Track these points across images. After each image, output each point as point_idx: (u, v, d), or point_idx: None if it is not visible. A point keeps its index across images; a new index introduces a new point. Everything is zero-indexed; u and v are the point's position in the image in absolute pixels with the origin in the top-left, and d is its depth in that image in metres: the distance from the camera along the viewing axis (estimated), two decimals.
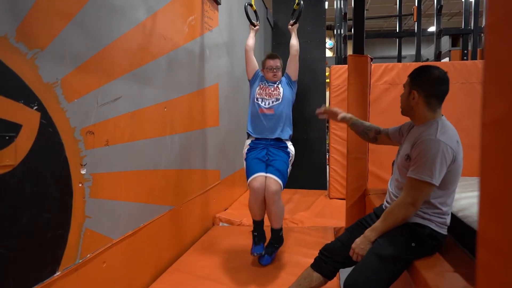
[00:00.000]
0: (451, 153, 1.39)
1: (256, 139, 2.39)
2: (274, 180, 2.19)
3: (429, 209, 1.47)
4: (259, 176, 2.22)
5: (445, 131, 1.43)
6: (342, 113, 1.97)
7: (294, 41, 2.50)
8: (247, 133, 2.43)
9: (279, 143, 2.36)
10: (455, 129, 1.49)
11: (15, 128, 1.15)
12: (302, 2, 2.62)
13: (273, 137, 2.34)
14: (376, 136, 1.88)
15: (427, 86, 1.50)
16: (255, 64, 2.53)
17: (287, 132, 2.39)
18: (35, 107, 1.22)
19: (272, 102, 2.35)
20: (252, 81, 2.51)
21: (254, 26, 2.62)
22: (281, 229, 2.37)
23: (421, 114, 1.53)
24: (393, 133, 1.80)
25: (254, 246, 2.29)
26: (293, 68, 2.47)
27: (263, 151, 2.34)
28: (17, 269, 1.17)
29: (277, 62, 2.41)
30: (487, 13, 0.45)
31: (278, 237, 2.35)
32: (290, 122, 2.43)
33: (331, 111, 2.00)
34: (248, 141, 2.42)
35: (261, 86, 2.42)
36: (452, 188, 1.47)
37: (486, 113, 0.45)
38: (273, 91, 2.39)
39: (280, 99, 2.36)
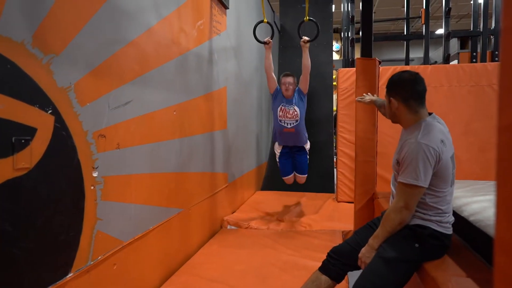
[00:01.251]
0: (433, 153, 1.41)
1: (283, 146, 3.31)
2: (302, 177, 3.44)
3: (429, 211, 1.48)
4: (290, 177, 3.42)
5: (428, 132, 1.45)
6: (368, 98, 2.19)
7: (306, 62, 3.04)
8: (276, 141, 3.35)
9: (300, 148, 3.31)
10: (443, 128, 1.51)
11: (31, 131, 1.17)
12: (318, 25, 2.74)
13: (295, 145, 3.26)
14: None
15: (401, 90, 1.54)
16: (274, 82, 3.12)
17: (305, 138, 3.26)
18: (50, 111, 1.25)
19: (292, 123, 3.08)
20: (273, 96, 3.14)
21: (266, 43, 2.96)
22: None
23: (405, 119, 1.57)
24: None
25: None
26: (304, 83, 3.07)
27: (290, 159, 3.34)
28: (32, 270, 1.19)
29: (290, 79, 3.05)
30: (502, 16, 0.45)
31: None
32: (305, 129, 3.20)
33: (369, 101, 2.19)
34: (279, 148, 3.33)
35: (282, 108, 3.06)
36: (445, 186, 1.48)
37: (502, 117, 0.45)
38: (293, 112, 3.06)
39: (298, 119, 3.08)
